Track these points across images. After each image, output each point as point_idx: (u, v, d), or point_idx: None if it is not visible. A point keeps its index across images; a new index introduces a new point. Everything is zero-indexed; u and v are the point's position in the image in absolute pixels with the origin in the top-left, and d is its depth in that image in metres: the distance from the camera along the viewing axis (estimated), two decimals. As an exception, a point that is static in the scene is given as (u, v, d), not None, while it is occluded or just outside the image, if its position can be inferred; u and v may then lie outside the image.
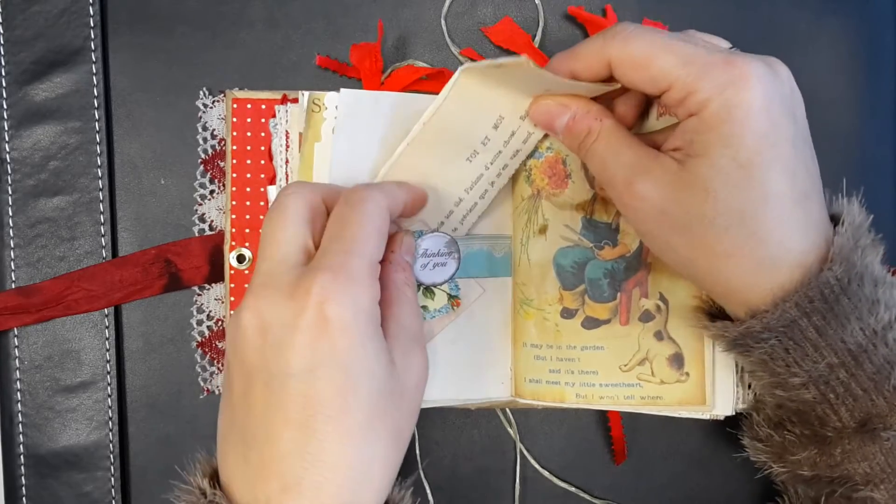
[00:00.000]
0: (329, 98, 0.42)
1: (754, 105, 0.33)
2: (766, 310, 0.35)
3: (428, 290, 0.44)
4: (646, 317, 0.41)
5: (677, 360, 0.40)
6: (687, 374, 0.40)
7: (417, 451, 0.46)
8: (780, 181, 0.34)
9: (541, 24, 0.45)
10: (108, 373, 0.45)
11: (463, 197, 0.43)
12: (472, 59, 0.45)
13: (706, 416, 0.41)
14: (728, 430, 0.42)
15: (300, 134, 0.43)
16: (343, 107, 0.42)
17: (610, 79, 0.37)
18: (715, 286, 0.37)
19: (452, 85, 0.38)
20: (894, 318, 0.35)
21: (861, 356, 0.35)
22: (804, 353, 0.35)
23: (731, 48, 0.37)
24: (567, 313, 0.43)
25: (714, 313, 0.40)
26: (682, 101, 0.34)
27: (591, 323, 0.42)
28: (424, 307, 0.43)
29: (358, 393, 0.33)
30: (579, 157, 0.39)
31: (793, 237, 0.34)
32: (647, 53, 0.35)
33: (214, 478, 0.36)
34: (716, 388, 0.41)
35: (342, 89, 0.42)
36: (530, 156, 0.43)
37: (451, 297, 0.44)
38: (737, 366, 0.41)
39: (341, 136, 0.42)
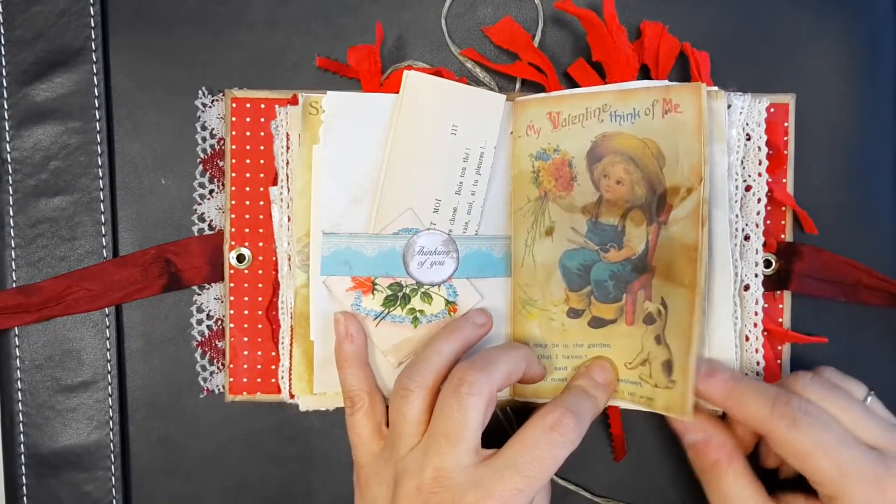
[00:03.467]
0: (325, 100, 0.42)
1: None
2: None
3: (426, 294, 0.44)
4: (648, 319, 0.41)
5: (668, 367, 0.40)
6: (673, 381, 0.40)
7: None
8: None
9: (541, 24, 0.45)
10: (109, 372, 0.46)
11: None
12: (473, 60, 0.45)
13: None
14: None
15: (299, 136, 0.43)
16: (331, 109, 0.42)
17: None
18: None
19: (402, 91, 0.40)
20: None
21: None
22: None
23: (868, 396, 0.40)
24: (573, 313, 0.43)
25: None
26: (828, 496, 0.37)
27: (597, 322, 0.43)
28: (421, 311, 0.44)
29: None
30: (696, 470, 0.41)
31: None
32: (808, 451, 0.37)
33: None
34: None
35: (329, 92, 0.42)
36: (537, 157, 0.43)
37: (448, 302, 0.44)
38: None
39: (331, 138, 0.42)
